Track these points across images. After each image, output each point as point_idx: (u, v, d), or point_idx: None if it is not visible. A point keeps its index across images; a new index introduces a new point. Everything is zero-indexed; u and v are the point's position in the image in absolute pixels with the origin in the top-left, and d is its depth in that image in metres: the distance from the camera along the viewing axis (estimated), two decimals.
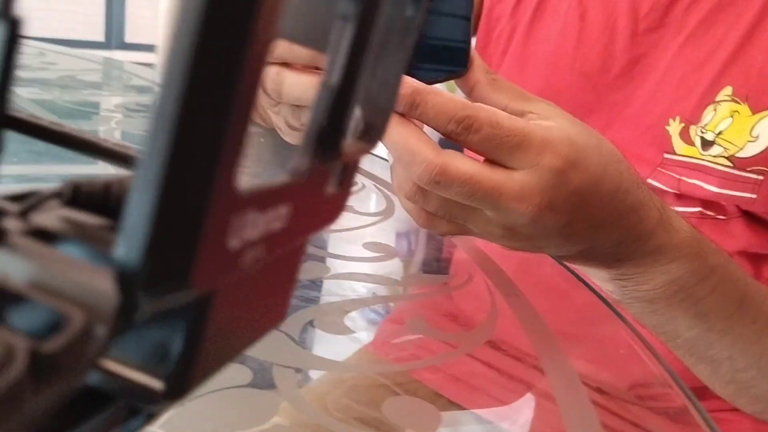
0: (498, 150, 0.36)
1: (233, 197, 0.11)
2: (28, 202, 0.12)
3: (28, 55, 1.10)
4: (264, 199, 0.13)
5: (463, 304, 0.44)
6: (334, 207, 0.17)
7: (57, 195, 0.13)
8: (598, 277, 0.47)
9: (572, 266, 0.46)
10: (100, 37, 2.09)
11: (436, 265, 0.50)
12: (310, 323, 0.38)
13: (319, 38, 0.16)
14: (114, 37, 2.11)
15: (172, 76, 0.09)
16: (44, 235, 0.12)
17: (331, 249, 0.49)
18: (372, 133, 0.18)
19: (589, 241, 0.42)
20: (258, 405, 0.28)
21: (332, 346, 0.37)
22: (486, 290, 0.42)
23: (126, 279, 0.10)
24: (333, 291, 0.43)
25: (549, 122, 0.39)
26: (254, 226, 0.12)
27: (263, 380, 0.30)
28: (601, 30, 0.64)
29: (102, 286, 0.11)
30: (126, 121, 0.84)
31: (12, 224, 0.12)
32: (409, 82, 0.36)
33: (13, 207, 0.12)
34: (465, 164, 0.36)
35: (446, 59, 0.39)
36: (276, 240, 0.14)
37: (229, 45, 0.10)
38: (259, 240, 0.13)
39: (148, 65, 1.98)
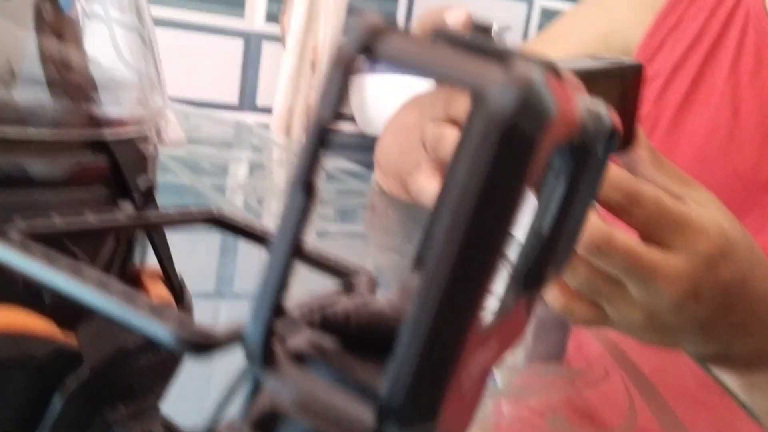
0: (658, 229, 0.37)
1: (474, 345, 0.13)
2: (285, 326, 0.14)
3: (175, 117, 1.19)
4: (485, 337, 0.14)
5: (599, 402, 0.44)
6: (522, 328, 0.19)
7: (308, 321, 0.15)
8: (729, 381, 0.46)
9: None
10: (234, 100, 2.25)
11: (569, 355, 0.49)
12: None
13: None
14: (247, 100, 2.26)
15: (440, 265, 0.11)
16: (300, 359, 0.14)
17: None
18: (559, 262, 0.19)
19: (726, 343, 0.41)
20: None
21: None
22: (623, 389, 0.41)
23: (385, 413, 0.12)
24: None
25: (704, 210, 0.39)
26: (478, 363, 0.14)
27: None
28: (755, 126, 0.61)
29: (361, 415, 0.12)
30: (252, 176, 0.90)
31: (278, 348, 0.14)
32: None
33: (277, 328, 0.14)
34: (628, 238, 0.37)
35: None
36: (486, 369, 0.15)
37: (484, 246, 0.11)
38: (477, 373, 0.14)
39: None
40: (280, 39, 2.13)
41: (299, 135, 2.11)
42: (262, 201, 0.76)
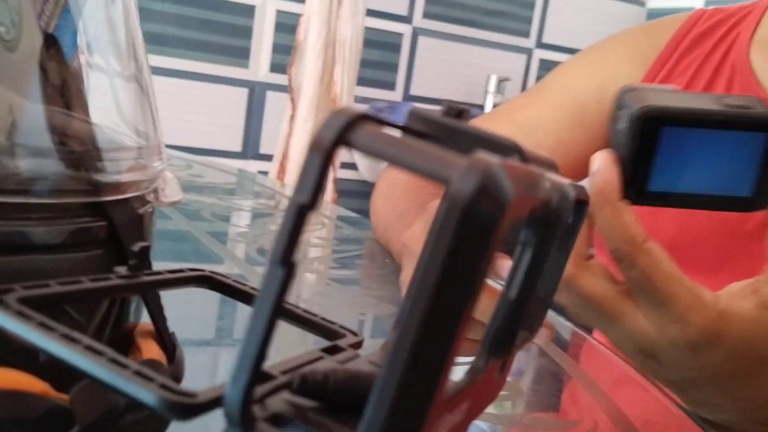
0: (639, 294, 0.37)
1: (441, 407, 0.13)
2: (264, 389, 0.15)
3: (177, 166, 1.21)
4: (453, 400, 0.15)
5: None
6: (496, 388, 0.19)
7: (287, 385, 0.15)
8: None
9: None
10: (237, 147, 2.28)
11: (563, 406, 0.50)
12: None
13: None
14: (250, 148, 2.29)
15: (407, 330, 0.12)
16: (277, 419, 0.15)
17: None
18: (532, 323, 0.20)
19: (704, 408, 0.41)
20: None
21: None
22: None
23: None
24: None
25: (741, 302, 0.37)
26: (448, 425, 0.15)
27: None
28: None
29: None
30: (253, 225, 0.91)
31: (256, 410, 0.15)
32: (603, 188, 0.36)
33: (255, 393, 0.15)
34: (595, 286, 0.37)
35: (731, 193, 0.37)
36: (460, 429, 0.16)
37: (451, 315, 0.12)
38: None
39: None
40: (288, 90, 2.17)
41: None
42: (262, 251, 0.77)
